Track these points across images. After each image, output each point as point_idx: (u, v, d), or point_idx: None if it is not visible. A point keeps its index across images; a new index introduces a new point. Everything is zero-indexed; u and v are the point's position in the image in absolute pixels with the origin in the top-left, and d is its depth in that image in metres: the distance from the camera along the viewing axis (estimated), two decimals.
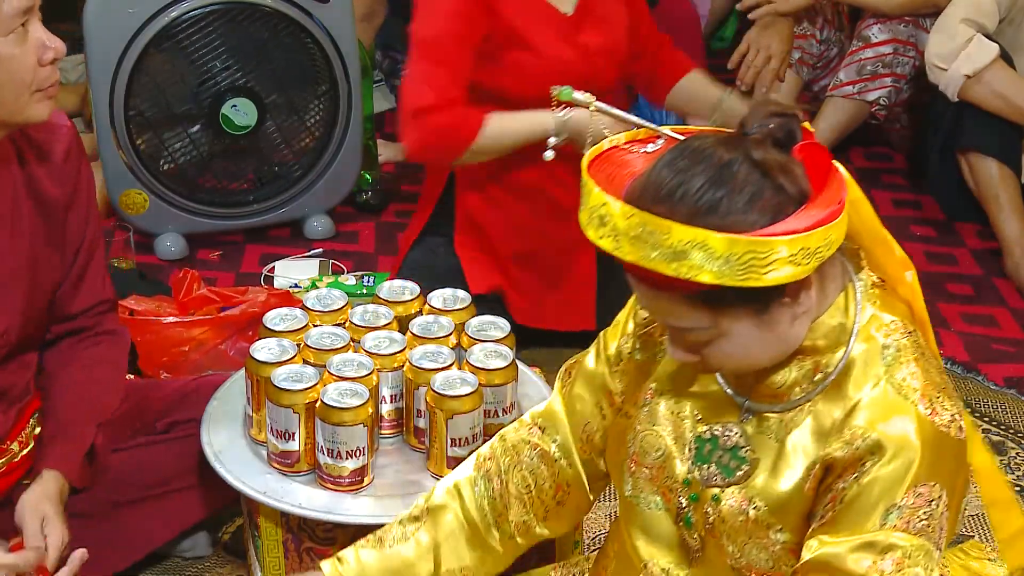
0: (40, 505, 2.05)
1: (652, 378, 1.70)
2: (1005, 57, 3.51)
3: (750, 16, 3.94)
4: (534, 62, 2.72)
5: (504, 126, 2.69)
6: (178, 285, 3.01)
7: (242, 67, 3.37)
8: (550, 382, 2.29)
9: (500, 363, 2.09)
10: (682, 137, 1.55)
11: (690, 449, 1.64)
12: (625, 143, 1.59)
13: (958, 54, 3.48)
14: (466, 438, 2.02)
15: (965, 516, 1.68)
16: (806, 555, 1.52)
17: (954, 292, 3.53)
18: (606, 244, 1.44)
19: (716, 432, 1.62)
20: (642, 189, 1.46)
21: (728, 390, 1.63)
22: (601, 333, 1.80)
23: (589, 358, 1.79)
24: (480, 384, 2.04)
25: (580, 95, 1.68)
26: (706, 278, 1.39)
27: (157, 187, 3.43)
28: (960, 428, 1.53)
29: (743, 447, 1.60)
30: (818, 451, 1.53)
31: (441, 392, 2.01)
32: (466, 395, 2.01)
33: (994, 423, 2.94)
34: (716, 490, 1.61)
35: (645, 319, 1.73)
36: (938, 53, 3.53)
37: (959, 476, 1.55)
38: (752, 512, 1.57)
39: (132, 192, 3.42)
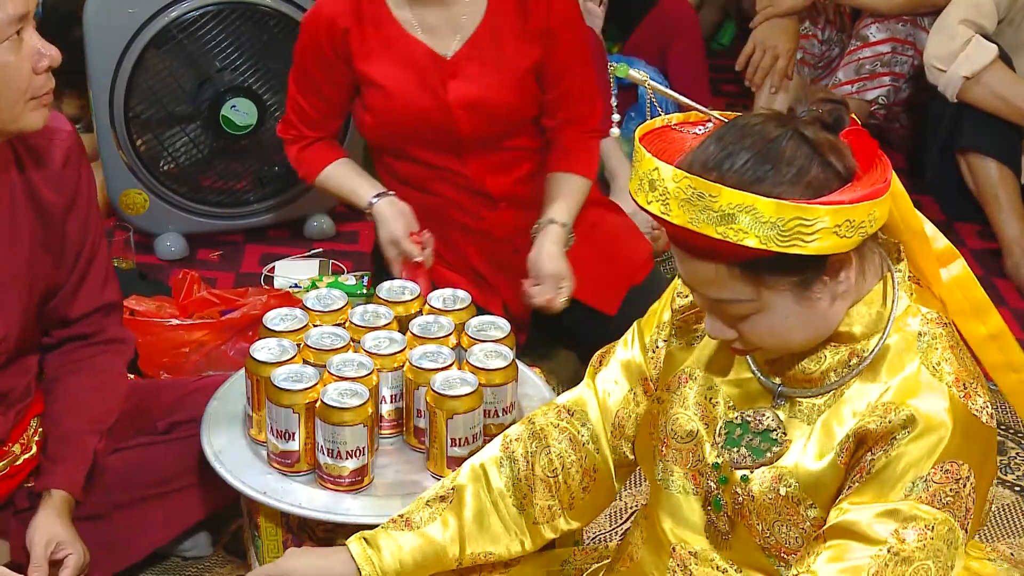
0: (51, 529, 2.06)
1: (686, 364, 1.72)
2: (1004, 58, 3.51)
3: (750, 25, 3.95)
4: (385, 104, 2.62)
5: (335, 182, 2.74)
6: (178, 287, 3.01)
7: (242, 67, 3.37)
8: (550, 382, 2.30)
9: (500, 363, 2.09)
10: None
11: (720, 434, 1.66)
12: (676, 123, 1.62)
13: (957, 55, 3.49)
14: (466, 438, 2.02)
15: (988, 513, 1.68)
16: (830, 521, 1.54)
17: None
18: (655, 208, 1.47)
19: (748, 417, 1.65)
20: (692, 160, 1.50)
21: (761, 377, 1.65)
22: (636, 323, 1.83)
23: (622, 347, 1.82)
24: (480, 384, 2.04)
25: (636, 72, 1.69)
26: (752, 242, 1.42)
27: (157, 187, 3.43)
28: (991, 416, 1.57)
29: (775, 430, 1.62)
30: (851, 425, 1.56)
31: (441, 392, 2.01)
32: (466, 395, 2.01)
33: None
34: (745, 471, 1.62)
35: (681, 306, 1.76)
36: (937, 54, 3.54)
37: (988, 462, 1.58)
38: (784, 490, 1.59)
39: (132, 192, 3.42)
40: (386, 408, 2.13)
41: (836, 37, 4.10)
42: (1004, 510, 2.68)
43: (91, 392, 2.19)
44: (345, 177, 2.72)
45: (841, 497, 1.55)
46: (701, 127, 1.61)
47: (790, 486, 1.59)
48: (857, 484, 1.54)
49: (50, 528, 2.06)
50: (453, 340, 2.18)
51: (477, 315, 2.24)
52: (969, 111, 3.54)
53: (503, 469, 1.78)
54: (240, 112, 3.38)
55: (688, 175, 1.45)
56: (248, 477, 2.05)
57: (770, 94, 3.91)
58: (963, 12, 3.51)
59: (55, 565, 2.05)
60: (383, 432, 2.14)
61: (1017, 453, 2.85)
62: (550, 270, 2.58)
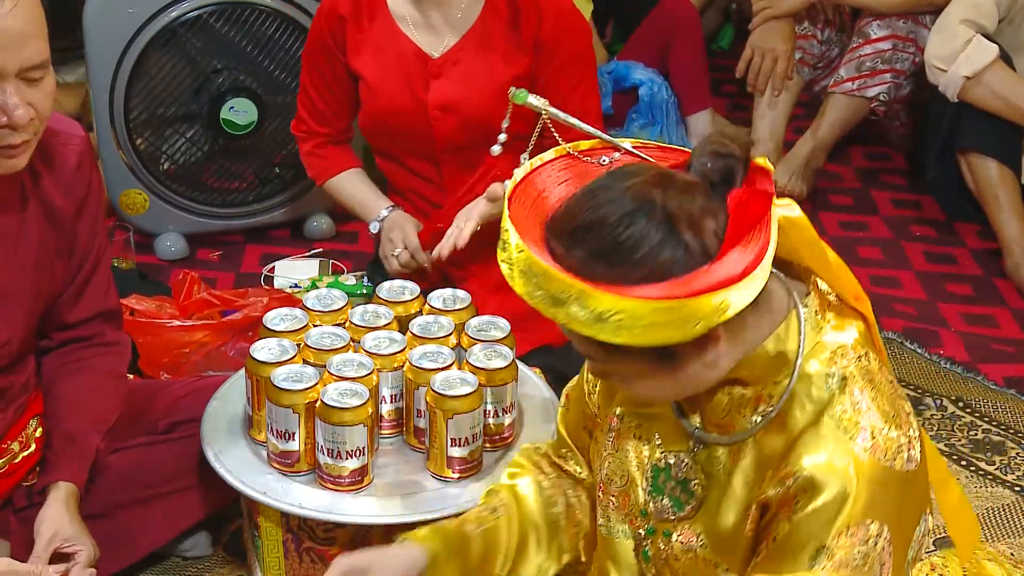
0: (60, 523, 2.05)
1: (616, 401, 1.67)
2: (1005, 58, 3.51)
3: (749, 27, 3.95)
4: (370, 100, 2.62)
5: (344, 192, 2.76)
6: (178, 287, 3.01)
7: (242, 67, 3.37)
8: (549, 383, 2.30)
9: (500, 363, 2.09)
10: (637, 151, 1.54)
11: (647, 478, 1.62)
12: (580, 151, 1.57)
13: (958, 55, 3.49)
14: (466, 438, 2.02)
15: (926, 541, 1.60)
16: None
17: (954, 292, 3.53)
18: (504, 269, 1.43)
19: (671, 461, 1.60)
20: (559, 216, 1.44)
21: (681, 418, 1.59)
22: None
23: (573, 385, 1.81)
24: (480, 384, 2.04)
25: (535, 99, 1.67)
26: (583, 330, 1.37)
27: (157, 187, 3.43)
28: (908, 458, 1.46)
29: (693, 480, 1.57)
30: (754, 491, 1.50)
31: (441, 392, 2.01)
32: (466, 395, 2.01)
33: (994, 423, 2.94)
34: (668, 525, 1.59)
35: None
36: (937, 54, 3.54)
37: (907, 507, 1.49)
38: (699, 550, 1.55)
39: (132, 192, 3.42)
40: (386, 408, 2.13)
41: (836, 37, 4.10)
42: (1004, 510, 2.67)
43: (91, 392, 2.19)
44: (358, 189, 2.72)
45: (751, 567, 1.50)
46: (606, 156, 1.55)
47: (704, 546, 1.54)
48: (764, 553, 1.48)
49: (58, 522, 2.05)
50: (453, 340, 2.18)
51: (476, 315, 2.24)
52: (970, 111, 3.54)
53: (537, 498, 1.77)
54: (240, 112, 3.38)
55: (526, 250, 1.39)
56: (248, 477, 2.05)
57: (772, 96, 3.92)
58: (964, 12, 3.51)
59: (61, 558, 2.05)
60: (383, 432, 2.14)
61: (1017, 453, 2.85)
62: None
